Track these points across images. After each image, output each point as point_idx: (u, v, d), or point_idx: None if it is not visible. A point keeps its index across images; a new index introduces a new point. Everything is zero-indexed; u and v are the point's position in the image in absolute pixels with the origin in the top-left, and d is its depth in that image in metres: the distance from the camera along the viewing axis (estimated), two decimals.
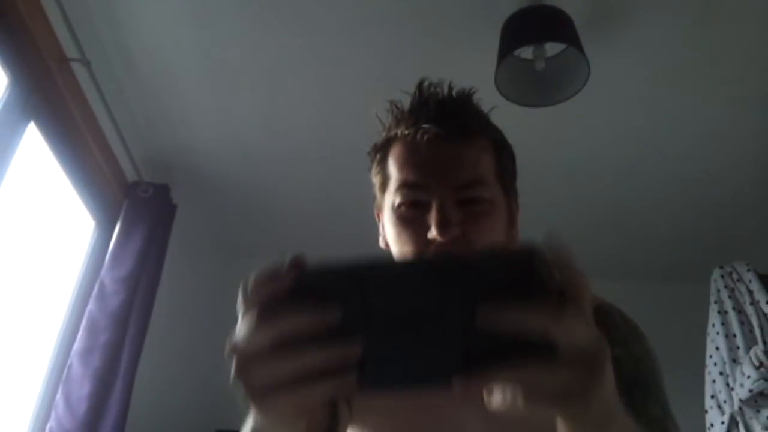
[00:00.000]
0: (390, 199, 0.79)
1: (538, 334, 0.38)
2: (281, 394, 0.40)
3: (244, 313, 0.41)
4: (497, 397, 0.41)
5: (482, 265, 0.39)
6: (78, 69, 1.92)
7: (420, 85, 0.81)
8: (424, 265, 0.43)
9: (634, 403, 0.52)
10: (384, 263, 0.43)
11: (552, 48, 1.80)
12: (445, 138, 0.76)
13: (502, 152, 0.82)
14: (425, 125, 0.76)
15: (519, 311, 0.37)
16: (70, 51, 1.85)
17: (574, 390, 0.39)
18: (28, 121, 1.85)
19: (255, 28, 1.94)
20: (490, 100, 0.87)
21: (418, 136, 0.76)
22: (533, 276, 0.38)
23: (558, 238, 0.39)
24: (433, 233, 0.72)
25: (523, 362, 0.38)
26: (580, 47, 1.70)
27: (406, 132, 0.78)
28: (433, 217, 0.72)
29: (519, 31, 1.78)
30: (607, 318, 0.74)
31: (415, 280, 0.40)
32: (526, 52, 1.81)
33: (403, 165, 0.78)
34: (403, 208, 0.76)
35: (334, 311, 0.38)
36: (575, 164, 2.49)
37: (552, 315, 0.37)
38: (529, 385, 0.39)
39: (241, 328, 0.41)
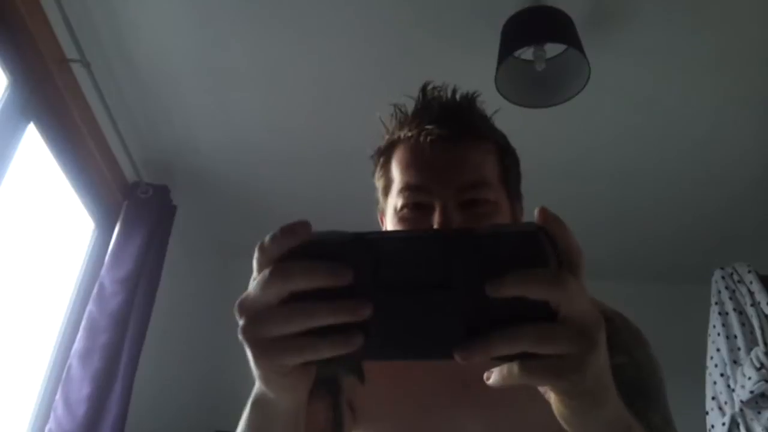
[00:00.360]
0: (393, 202, 0.78)
1: (539, 303, 0.38)
2: (286, 349, 0.41)
3: (258, 271, 0.41)
4: (495, 374, 0.42)
5: (489, 238, 0.40)
6: (78, 70, 1.91)
7: (424, 89, 0.81)
8: (434, 236, 0.45)
9: (634, 409, 0.52)
10: (394, 232, 0.43)
11: (552, 49, 1.80)
12: (449, 139, 0.75)
13: (506, 156, 0.81)
14: (428, 126, 0.76)
15: (522, 279, 0.38)
16: (70, 52, 1.85)
17: (570, 360, 0.40)
18: (27, 122, 1.85)
19: (255, 28, 1.94)
20: (490, 101, 0.87)
21: (422, 138, 0.76)
22: (538, 250, 0.39)
23: (553, 214, 0.40)
24: None
25: (523, 329, 0.38)
26: (580, 48, 1.70)
27: (410, 134, 0.78)
28: (435, 220, 0.72)
29: (519, 31, 1.78)
30: (609, 324, 0.74)
31: (424, 250, 0.40)
32: (527, 53, 1.81)
33: (406, 167, 0.77)
34: (405, 210, 0.76)
35: (346, 272, 0.39)
36: (576, 165, 2.49)
37: (554, 283, 0.38)
38: (528, 353, 0.39)
39: (253, 284, 0.41)
